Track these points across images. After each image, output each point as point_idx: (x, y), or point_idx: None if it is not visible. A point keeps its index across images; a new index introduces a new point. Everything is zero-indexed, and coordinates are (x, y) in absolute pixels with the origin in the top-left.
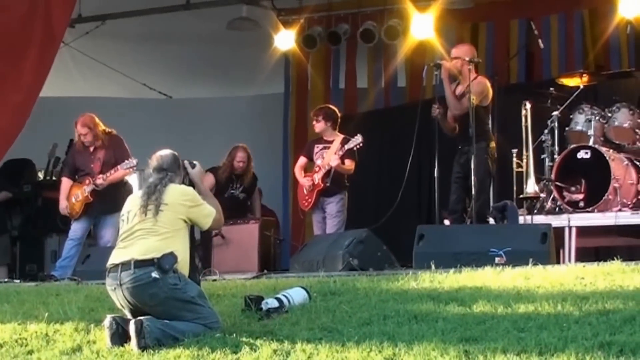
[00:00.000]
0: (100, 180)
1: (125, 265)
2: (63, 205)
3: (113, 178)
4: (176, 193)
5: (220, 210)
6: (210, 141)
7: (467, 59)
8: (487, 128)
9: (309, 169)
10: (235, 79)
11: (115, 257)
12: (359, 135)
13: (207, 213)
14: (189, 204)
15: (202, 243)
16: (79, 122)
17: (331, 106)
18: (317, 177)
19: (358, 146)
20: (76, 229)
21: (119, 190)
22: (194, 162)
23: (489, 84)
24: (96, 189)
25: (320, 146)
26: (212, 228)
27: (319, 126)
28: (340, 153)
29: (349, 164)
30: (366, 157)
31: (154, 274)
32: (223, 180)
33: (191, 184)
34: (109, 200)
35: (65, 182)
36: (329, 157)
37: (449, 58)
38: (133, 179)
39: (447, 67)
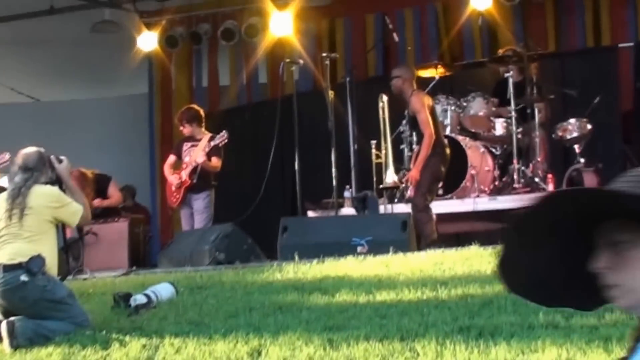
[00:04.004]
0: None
1: None
2: None
3: None
4: (41, 196)
5: (87, 206)
6: (79, 142)
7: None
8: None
9: (178, 167)
10: (100, 80)
11: None
12: (224, 131)
13: (74, 211)
14: (54, 205)
15: (76, 241)
16: None
17: (194, 107)
18: (185, 174)
19: (223, 142)
20: None
21: None
22: (61, 157)
23: (421, 98)
24: None
25: (189, 144)
26: (81, 224)
27: (186, 130)
28: (207, 149)
29: (215, 162)
30: (230, 152)
31: (23, 277)
32: None
33: (58, 179)
34: None
35: None
36: (195, 154)
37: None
38: (4, 182)
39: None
